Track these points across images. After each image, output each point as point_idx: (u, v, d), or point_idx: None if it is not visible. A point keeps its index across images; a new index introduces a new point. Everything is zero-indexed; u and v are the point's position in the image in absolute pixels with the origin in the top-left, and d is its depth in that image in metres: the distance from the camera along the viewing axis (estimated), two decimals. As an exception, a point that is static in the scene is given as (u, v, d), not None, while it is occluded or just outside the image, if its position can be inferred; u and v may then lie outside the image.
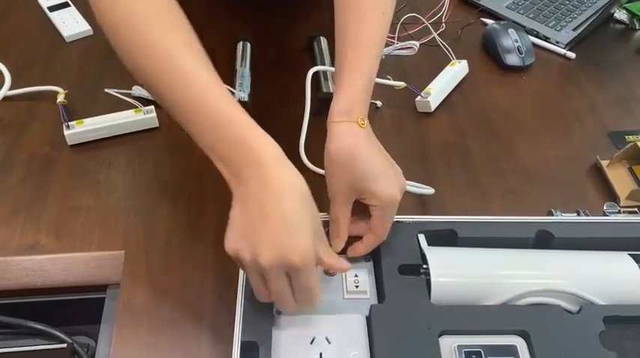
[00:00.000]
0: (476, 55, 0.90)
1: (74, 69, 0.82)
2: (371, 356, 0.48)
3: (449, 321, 0.50)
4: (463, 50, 0.88)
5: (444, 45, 0.87)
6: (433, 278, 0.52)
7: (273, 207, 0.45)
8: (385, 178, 0.53)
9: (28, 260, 0.60)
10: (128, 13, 0.51)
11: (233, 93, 0.76)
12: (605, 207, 0.63)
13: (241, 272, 0.52)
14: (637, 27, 0.97)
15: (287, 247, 0.44)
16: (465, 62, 0.85)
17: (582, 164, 0.74)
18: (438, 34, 0.88)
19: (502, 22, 0.93)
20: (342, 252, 0.55)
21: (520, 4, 0.99)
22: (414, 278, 0.53)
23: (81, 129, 0.71)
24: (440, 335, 0.49)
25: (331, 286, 0.55)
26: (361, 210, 0.54)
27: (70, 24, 0.88)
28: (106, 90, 0.75)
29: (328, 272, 0.55)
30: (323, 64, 0.82)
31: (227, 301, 0.56)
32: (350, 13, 0.57)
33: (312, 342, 0.49)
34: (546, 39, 0.93)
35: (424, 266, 0.53)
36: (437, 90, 0.80)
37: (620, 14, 0.98)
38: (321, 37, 0.86)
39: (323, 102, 0.77)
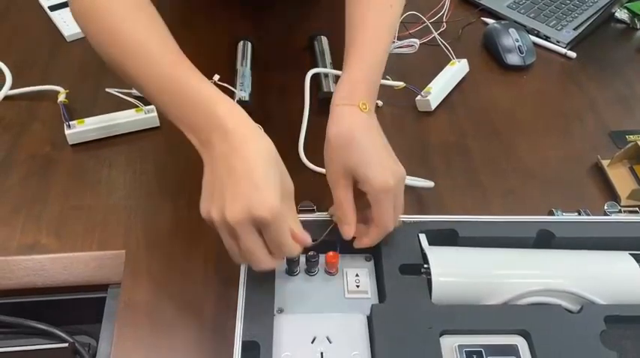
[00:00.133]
0: (476, 55, 0.90)
1: (75, 68, 0.82)
2: (372, 355, 0.48)
3: (450, 321, 0.50)
4: (464, 50, 0.88)
5: (444, 44, 0.87)
6: (434, 278, 0.52)
7: (238, 165, 0.46)
8: (379, 164, 0.52)
9: (29, 259, 0.60)
10: (93, 2, 0.54)
11: (234, 92, 0.76)
12: (606, 207, 0.63)
13: (242, 272, 0.52)
14: (638, 26, 0.97)
15: (254, 202, 0.45)
16: (465, 61, 0.85)
17: (583, 163, 0.74)
18: (438, 34, 0.88)
19: (503, 22, 0.93)
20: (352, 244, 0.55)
21: (521, 3, 0.99)
22: (414, 277, 0.53)
23: (82, 128, 0.71)
24: (441, 335, 0.49)
25: (332, 286, 0.55)
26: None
27: (71, 23, 0.88)
28: (107, 89, 0.75)
29: (329, 272, 0.55)
30: (324, 63, 0.82)
31: (228, 300, 0.56)
32: (358, 4, 0.59)
33: (313, 341, 0.49)
34: (547, 38, 0.93)
35: (425, 265, 0.53)
36: (437, 89, 0.80)
37: (621, 14, 0.98)
38: (322, 37, 0.86)
39: (323, 102, 0.77)
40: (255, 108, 0.75)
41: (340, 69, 0.80)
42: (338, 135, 0.53)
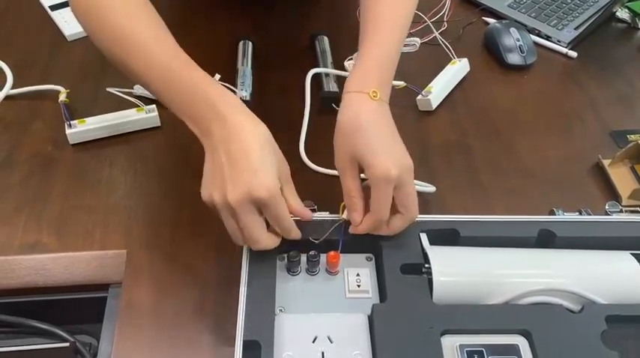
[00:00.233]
0: (477, 54, 0.90)
1: (76, 68, 0.82)
2: (373, 355, 0.48)
3: (451, 320, 0.50)
4: (464, 49, 0.88)
5: (445, 44, 0.87)
6: (435, 278, 0.52)
7: (237, 150, 0.49)
8: (384, 152, 0.52)
9: (30, 259, 0.60)
10: (99, 10, 0.56)
11: (235, 92, 0.76)
12: (607, 207, 0.63)
13: (243, 270, 0.52)
14: (639, 26, 0.97)
15: (253, 184, 0.48)
16: (465, 60, 0.85)
17: (584, 163, 0.74)
18: (439, 33, 0.88)
19: (504, 21, 0.93)
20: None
21: (522, 3, 0.99)
22: (416, 277, 0.53)
23: (83, 128, 0.71)
24: (442, 335, 0.49)
25: (333, 285, 0.55)
26: None
27: (72, 23, 0.88)
28: (108, 89, 0.75)
29: (330, 271, 0.55)
30: (325, 62, 0.82)
31: (229, 300, 0.56)
32: None
33: (314, 341, 0.49)
34: (548, 38, 0.93)
35: (426, 265, 0.53)
36: (438, 88, 0.80)
37: (622, 13, 0.98)
38: (323, 36, 0.86)
39: (324, 102, 0.77)
40: (255, 108, 0.74)
41: (341, 68, 0.81)
42: (346, 121, 0.54)
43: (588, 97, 0.84)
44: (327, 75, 0.80)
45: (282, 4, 0.94)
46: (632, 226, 0.58)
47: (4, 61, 0.79)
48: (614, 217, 0.61)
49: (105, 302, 0.59)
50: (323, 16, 0.94)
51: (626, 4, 0.98)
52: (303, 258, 0.55)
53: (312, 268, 0.55)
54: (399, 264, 0.53)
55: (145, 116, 0.73)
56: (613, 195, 0.70)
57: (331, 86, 0.79)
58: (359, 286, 0.54)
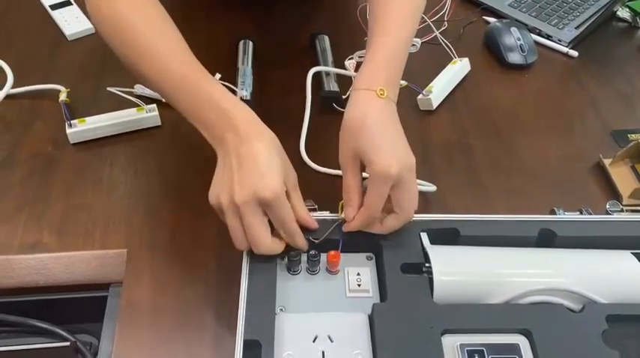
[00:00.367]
0: (478, 54, 0.90)
1: (76, 67, 0.82)
2: (373, 354, 0.48)
3: (451, 320, 0.50)
4: (465, 48, 0.88)
5: (445, 43, 0.87)
6: (435, 277, 0.52)
7: (246, 154, 0.51)
8: (386, 150, 0.52)
9: (31, 258, 0.60)
10: (116, 15, 0.58)
11: (235, 91, 0.76)
12: (607, 206, 0.63)
13: (243, 269, 0.52)
14: (639, 25, 0.97)
15: (258, 184, 0.49)
16: (466, 60, 0.85)
17: (585, 162, 0.74)
18: (439, 33, 0.88)
19: (504, 21, 0.92)
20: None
21: (522, 2, 0.99)
22: (416, 276, 0.53)
23: (83, 127, 0.71)
24: (442, 334, 0.49)
25: (333, 284, 0.55)
26: None
27: (72, 22, 0.88)
28: (108, 88, 0.75)
29: (330, 271, 0.55)
30: (325, 62, 0.82)
31: (230, 299, 0.55)
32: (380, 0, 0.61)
33: (314, 340, 0.49)
34: (549, 37, 0.93)
35: (426, 264, 0.53)
36: (439, 88, 0.80)
37: (623, 12, 0.98)
38: (324, 35, 0.86)
39: (324, 101, 0.77)
40: (256, 107, 0.74)
41: (341, 67, 0.81)
42: (351, 118, 0.54)
43: (589, 97, 0.84)
44: (327, 74, 0.80)
45: (282, 3, 0.94)
46: (633, 225, 0.58)
47: (4, 61, 0.79)
48: (615, 216, 0.61)
49: (105, 302, 0.59)
50: (323, 16, 0.94)
51: (627, 3, 0.98)
52: (304, 257, 0.55)
53: (312, 267, 0.55)
54: (399, 263, 0.53)
55: (146, 115, 0.73)
56: (614, 194, 0.70)
57: (332, 85, 0.79)
58: (359, 285, 0.54)
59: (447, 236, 0.56)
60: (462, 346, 0.48)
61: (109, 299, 0.59)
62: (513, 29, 0.89)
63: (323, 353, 0.48)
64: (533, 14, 0.97)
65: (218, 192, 0.51)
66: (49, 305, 0.60)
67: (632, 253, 0.55)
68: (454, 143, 0.76)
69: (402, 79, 0.77)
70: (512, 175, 0.72)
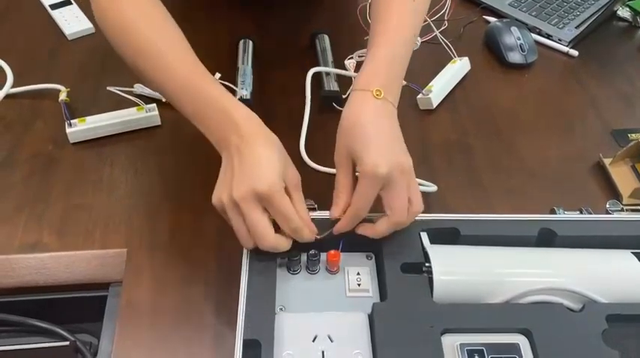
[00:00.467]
0: (478, 53, 0.90)
1: (76, 67, 0.82)
2: (373, 354, 0.48)
3: (451, 319, 0.50)
4: (465, 48, 0.88)
5: (445, 42, 0.87)
6: (435, 277, 0.52)
7: (248, 153, 0.52)
8: (376, 150, 0.51)
9: (31, 258, 0.60)
10: (121, 17, 0.58)
11: (235, 91, 0.76)
12: (607, 205, 0.63)
13: (243, 269, 0.52)
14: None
15: (255, 179, 0.50)
16: (466, 59, 0.85)
17: (585, 162, 0.74)
18: (439, 32, 0.88)
19: (504, 20, 0.92)
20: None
21: (522, 1, 0.99)
22: (416, 276, 0.53)
23: (83, 127, 0.71)
24: (442, 334, 0.49)
25: (333, 284, 0.55)
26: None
27: (72, 22, 0.88)
28: (108, 88, 0.75)
29: (330, 270, 0.55)
30: (325, 61, 0.82)
31: (229, 298, 0.56)
32: (381, 1, 0.61)
33: (314, 340, 0.49)
34: (549, 36, 0.93)
35: (426, 264, 0.53)
36: (438, 87, 0.80)
37: (623, 12, 0.98)
38: (324, 35, 0.86)
39: (324, 101, 0.77)
40: (256, 107, 0.74)
41: (341, 67, 0.81)
42: (347, 117, 0.54)
43: (589, 96, 0.84)
44: (327, 74, 0.80)
45: (282, 3, 0.94)
46: (633, 225, 0.58)
47: (4, 60, 0.79)
48: (615, 216, 0.61)
49: (105, 301, 0.59)
50: (323, 15, 0.94)
51: (627, 2, 0.98)
52: (304, 256, 0.55)
53: (312, 267, 0.55)
54: (399, 262, 0.53)
55: (146, 115, 0.73)
56: (614, 193, 0.70)
57: (332, 85, 0.79)
58: (359, 285, 0.54)
59: (447, 235, 0.56)
60: (461, 346, 0.48)
61: (108, 299, 0.59)
62: (513, 28, 0.89)
63: (323, 352, 0.48)
64: (533, 13, 0.97)
65: (220, 193, 0.52)
66: (49, 305, 0.60)
67: (632, 253, 0.55)
68: (454, 142, 0.76)
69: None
70: (512, 175, 0.72)
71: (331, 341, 0.49)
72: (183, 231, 0.63)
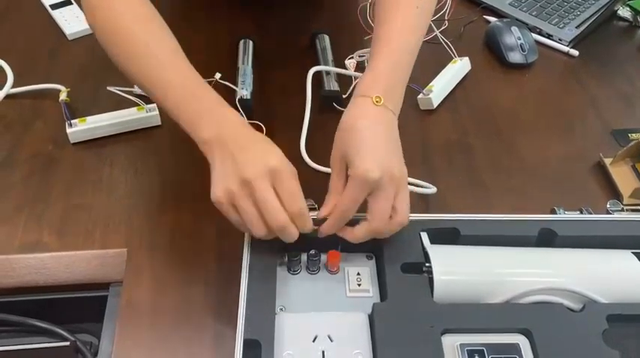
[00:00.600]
0: (478, 53, 0.89)
1: (76, 67, 0.82)
2: (373, 354, 0.48)
3: (451, 320, 0.50)
4: (465, 48, 0.88)
5: (446, 42, 0.87)
6: (436, 277, 0.52)
7: (246, 142, 0.52)
8: (369, 155, 0.51)
9: (31, 258, 0.60)
10: (111, 17, 0.58)
11: (235, 91, 0.76)
12: (608, 205, 0.63)
13: (243, 269, 0.52)
14: (640, 24, 0.97)
15: (266, 156, 0.51)
16: (466, 59, 0.85)
17: (585, 162, 0.74)
18: (440, 32, 0.88)
19: (505, 20, 0.92)
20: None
21: (523, 1, 0.99)
22: (416, 276, 0.53)
23: (83, 127, 0.71)
24: (442, 334, 0.49)
25: (334, 284, 0.55)
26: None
27: (73, 22, 0.88)
28: (109, 88, 0.75)
29: (330, 270, 0.55)
30: (325, 61, 0.82)
31: (229, 299, 0.55)
32: (385, 5, 0.60)
33: (314, 340, 0.49)
34: (549, 36, 0.93)
35: (427, 264, 0.53)
36: (439, 87, 0.80)
37: (624, 11, 0.98)
38: (324, 35, 0.86)
39: (325, 100, 0.77)
40: (256, 107, 0.75)
41: (342, 67, 0.81)
42: (345, 122, 0.54)
43: (589, 96, 0.84)
44: (327, 74, 0.80)
45: (282, 2, 0.94)
46: (634, 225, 0.58)
47: (4, 60, 0.79)
48: (616, 216, 0.61)
49: (105, 301, 0.59)
50: (324, 15, 0.94)
51: (628, 2, 0.98)
52: (304, 256, 0.55)
53: (312, 267, 0.55)
54: (399, 262, 0.53)
55: (146, 115, 0.73)
56: (614, 193, 0.70)
57: (332, 85, 0.79)
58: (359, 285, 0.54)
59: (447, 235, 0.56)
60: (462, 346, 0.48)
61: (109, 299, 0.59)
62: (514, 28, 0.89)
63: (323, 352, 0.48)
64: (533, 13, 0.97)
65: (223, 184, 0.51)
66: (49, 305, 0.60)
67: (632, 253, 0.55)
68: (454, 142, 0.76)
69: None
70: (512, 175, 0.72)
71: (331, 341, 0.49)
72: (184, 230, 0.63)
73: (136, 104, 0.74)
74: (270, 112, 0.76)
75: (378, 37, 0.59)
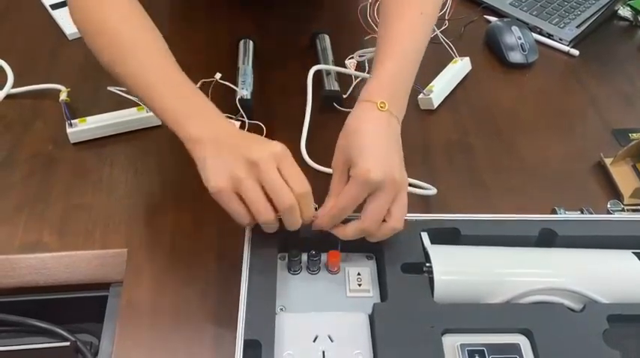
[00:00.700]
0: (479, 53, 0.89)
1: (77, 67, 0.82)
2: (374, 354, 0.48)
3: (452, 320, 0.50)
4: (466, 47, 0.88)
5: (446, 42, 0.87)
6: (436, 277, 0.52)
7: (241, 136, 0.54)
8: (371, 156, 0.51)
9: (31, 258, 0.60)
10: (96, 14, 0.59)
11: (235, 91, 0.76)
12: (608, 205, 0.63)
13: (243, 269, 0.52)
14: (641, 24, 0.97)
15: (267, 143, 0.52)
16: (467, 59, 0.85)
17: (586, 162, 0.74)
18: (440, 32, 0.88)
19: (505, 20, 0.92)
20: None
21: (523, 1, 0.99)
22: (416, 276, 0.53)
23: (83, 127, 0.71)
24: (443, 334, 0.49)
25: (334, 284, 0.55)
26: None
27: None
28: (109, 88, 0.75)
29: (331, 271, 0.55)
30: (326, 61, 0.81)
31: (230, 299, 0.55)
32: (390, 11, 0.61)
33: (314, 340, 0.49)
34: (550, 36, 0.93)
35: (427, 264, 0.53)
36: (439, 87, 0.80)
37: (624, 11, 0.98)
38: (324, 35, 0.86)
39: (325, 100, 0.77)
40: (256, 107, 0.75)
41: (342, 67, 0.81)
42: (348, 125, 0.55)
43: (590, 96, 0.84)
44: (328, 73, 0.80)
45: (282, 2, 0.94)
46: (634, 225, 0.58)
47: (4, 60, 0.79)
48: (616, 216, 0.61)
49: (106, 301, 0.59)
50: (324, 15, 0.94)
51: (628, 2, 0.98)
52: (304, 256, 0.55)
53: (312, 267, 0.55)
54: (399, 262, 0.53)
55: (146, 115, 0.73)
56: (615, 193, 0.69)
57: (332, 85, 0.79)
58: (360, 285, 0.54)
59: (448, 235, 0.56)
60: (462, 346, 0.48)
61: (109, 299, 0.59)
62: (514, 28, 0.89)
63: (323, 352, 0.48)
64: (534, 13, 0.96)
65: (227, 172, 0.50)
66: (49, 305, 0.60)
67: (633, 253, 0.55)
68: (455, 142, 0.76)
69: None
70: (512, 175, 0.72)
71: (332, 341, 0.49)
72: (184, 231, 0.63)
73: (136, 104, 0.74)
74: (270, 112, 0.76)
75: (383, 43, 0.59)
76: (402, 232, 0.54)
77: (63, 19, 0.89)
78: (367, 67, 0.80)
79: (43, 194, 0.66)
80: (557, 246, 0.57)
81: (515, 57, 0.87)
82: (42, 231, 0.63)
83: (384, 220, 0.52)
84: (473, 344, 0.48)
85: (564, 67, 0.89)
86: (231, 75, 0.78)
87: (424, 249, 0.55)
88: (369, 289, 0.54)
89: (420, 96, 0.79)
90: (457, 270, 0.53)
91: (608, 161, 0.72)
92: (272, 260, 0.54)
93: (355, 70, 0.81)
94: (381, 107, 0.54)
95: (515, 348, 0.48)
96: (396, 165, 0.53)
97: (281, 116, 0.75)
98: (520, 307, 0.52)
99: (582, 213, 0.60)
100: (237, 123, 0.70)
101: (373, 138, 0.53)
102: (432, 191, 0.66)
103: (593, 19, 0.93)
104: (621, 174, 0.71)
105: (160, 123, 0.74)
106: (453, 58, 0.85)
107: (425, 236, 0.56)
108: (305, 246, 0.55)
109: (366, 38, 0.85)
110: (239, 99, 0.74)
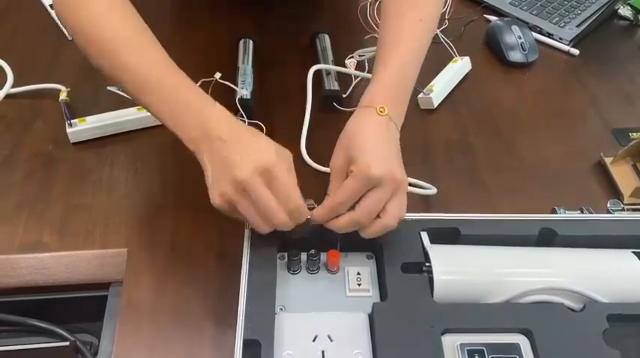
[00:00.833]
0: (479, 52, 0.89)
1: (77, 67, 0.82)
2: (373, 354, 0.48)
3: (451, 319, 0.50)
4: (466, 47, 0.88)
5: (446, 42, 0.87)
6: (436, 276, 0.52)
7: (235, 140, 0.52)
8: (372, 153, 0.52)
9: (31, 258, 0.60)
10: (87, 16, 0.59)
11: (235, 90, 0.76)
12: (608, 205, 0.63)
13: (243, 269, 0.52)
14: (641, 23, 0.97)
15: (255, 153, 0.50)
16: (467, 59, 0.85)
17: (586, 161, 0.74)
18: (440, 31, 0.88)
19: (505, 19, 0.92)
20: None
21: (523, 0, 0.99)
22: (416, 276, 0.53)
23: (83, 127, 0.71)
24: (442, 334, 0.49)
25: (333, 284, 0.55)
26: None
27: (73, 22, 0.88)
28: (109, 87, 0.75)
29: (330, 270, 0.55)
30: (326, 61, 0.81)
31: (229, 298, 0.55)
32: (390, 18, 0.61)
33: (314, 340, 0.49)
34: (550, 35, 0.93)
35: (427, 264, 0.53)
36: (439, 87, 0.80)
37: (625, 10, 0.98)
38: (324, 34, 0.86)
39: (325, 100, 0.77)
40: (256, 107, 0.75)
41: (342, 66, 0.81)
42: (347, 129, 0.55)
43: (590, 95, 0.84)
44: (328, 73, 0.80)
45: (282, 2, 0.94)
46: (634, 224, 0.58)
47: (4, 60, 0.79)
48: (616, 215, 0.61)
49: (105, 301, 0.59)
50: (324, 15, 0.94)
51: (628, 1, 0.98)
52: (304, 256, 0.55)
53: (312, 267, 0.55)
54: (399, 262, 0.53)
55: (146, 115, 0.73)
56: (615, 193, 0.69)
57: (332, 84, 0.78)
58: (359, 285, 0.54)
59: (448, 235, 0.56)
60: (462, 345, 0.48)
61: (109, 299, 0.59)
62: (514, 27, 0.89)
63: (323, 352, 0.48)
64: (534, 12, 0.96)
65: (219, 189, 0.51)
66: (49, 305, 0.60)
67: (633, 252, 0.55)
68: (455, 142, 0.76)
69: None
70: (512, 174, 0.72)
71: (331, 341, 0.49)
72: (184, 230, 0.63)
73: (136, 104, 0.74)
74: (270, 112, 0.76)
75: (383, 49, 0.59)
76: (402, 232, 0.55)
77: (63, 18, 0.89)
78: (367, 67, 0.80)
79: (43, 194, 0.66)
80: (557, 245, 0.57)
81: (515, 56, 0.87)
82: (42, 231, 0.63)
83: (378, 216, 0.52)
84: (472, 344, 0.48)
85: (564, 66, 0.89)
86: (231, 75, 0.78)
87: (424, 248, 0.55)
88: (368, 289, 0.54)
89: (420, 95, 0.79)
90: (457, 270, 0.53)
91: (608, 160, 0.72)
92: (271, 259, 0.54)
93: (355, 69, 0.81)
94: (381, 112, 0.55)
95: (515, 348, 0.48)
96: (396, 165, 0.53)
97: (281, 116, 0.75)
98: (520, 307, 0.52)
99: (582, 212, 0.60)
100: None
101: (373, 140, 0.53)
102: (432, 191, 0.66)
103: (594, 18, 0.93)
104: (621, 173, 0.71)
105: (160, 122, 0.74)
106: (453, 57, 0.85)
107: (425, 235, 0.56)
108: (304, 245, 0.55)
109: (366, 37, 0.85)
110: (239, 99, 0.74)
